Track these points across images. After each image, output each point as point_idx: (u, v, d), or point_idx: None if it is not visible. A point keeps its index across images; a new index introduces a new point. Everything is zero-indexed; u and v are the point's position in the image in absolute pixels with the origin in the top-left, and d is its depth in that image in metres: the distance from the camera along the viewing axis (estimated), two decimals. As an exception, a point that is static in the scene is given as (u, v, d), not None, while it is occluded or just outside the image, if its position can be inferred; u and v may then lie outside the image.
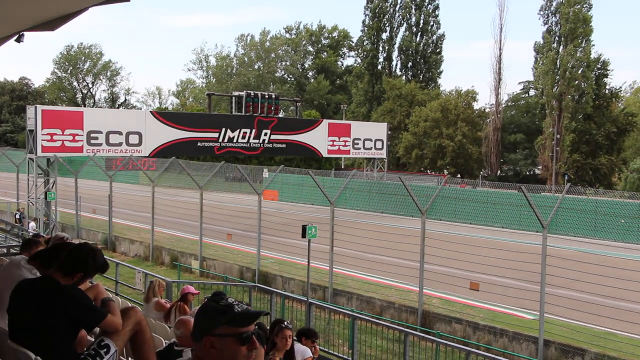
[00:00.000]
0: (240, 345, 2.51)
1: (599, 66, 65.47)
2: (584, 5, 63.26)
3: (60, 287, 3.91)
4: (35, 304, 3.82)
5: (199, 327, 2.58)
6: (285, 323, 6.85)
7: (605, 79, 66.34)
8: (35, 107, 26.93)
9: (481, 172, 70.68)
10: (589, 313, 14.05)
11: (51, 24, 6.78)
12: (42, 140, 26.45)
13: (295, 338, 7.62)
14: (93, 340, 4.05)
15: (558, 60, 63.17)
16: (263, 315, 2.87)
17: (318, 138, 37.35)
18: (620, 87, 73.82)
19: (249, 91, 34.99)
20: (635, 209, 29.20)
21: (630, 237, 27.47)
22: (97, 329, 4.15)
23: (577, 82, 62.66)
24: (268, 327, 7.17)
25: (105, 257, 4.34)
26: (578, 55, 62.60)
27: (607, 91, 66.60)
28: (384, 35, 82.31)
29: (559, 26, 65.06)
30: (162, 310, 9.18)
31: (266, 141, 34.50)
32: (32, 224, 25.09)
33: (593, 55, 64.39)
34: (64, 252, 4.18)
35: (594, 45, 64.41)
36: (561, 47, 64.12)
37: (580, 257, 16.92)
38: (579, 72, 62.71)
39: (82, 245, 4.29)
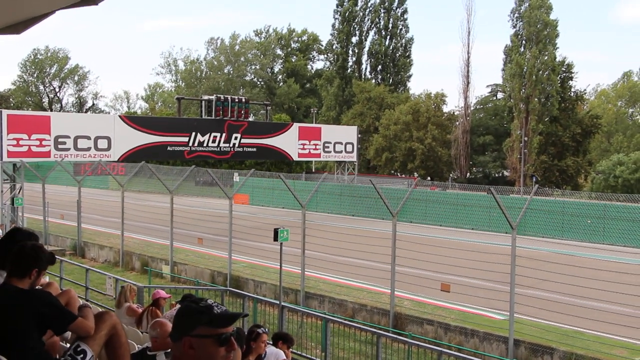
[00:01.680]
0: (219, 347, 2.53)
1: (564, 69, 66.63)
2: (549, 10, 64.37)
3: (25, 291, 3.89)
4: (3, 312, 3.76)
5: (178, 327, 2.60)
6: (263, 329, 6.89)
7: (571, 82, 67.54)
8: (1, 112, 26.46)
9: (451, 175, 71.33)
10: (558, 312, 14.26)
11: (16, 28, 6.68)
12: (8, 145, 25.97)
13: (270, 342, 7.65)
14: (67, 346, 4.01)
15: (525, 64, 64.06)
16: (242, 317, 2.90)
17: (288, 142, 37.30)
18: (585, 90, 75.23)
19: (218, 95, 34.81)
20: (601, 210, 29.76)
21: (596, 237, 27.98)
22: (69, 335, 4.11)
23: (542, 84, 63.65)
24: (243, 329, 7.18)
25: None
26: (545, 58, 63.59)
27: (572, 94, 67.79)
28: (354, 39, 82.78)
29: (524, 30, 66.05)
30: (134, 315, 9.13)
31: (236, 145, 34.35)
32: (-2, 231, 24.64)
33: (558, 59, 65.49)
34: (8, 249, 4.14)
35: (558, 48, 65.56)
36: (528, 51, 65.04)
37: (549, 258, 17.20)
38: (545, 75, 63.71)
39: (23, 242, 4.23)
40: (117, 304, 9.80)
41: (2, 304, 3.82)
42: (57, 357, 3.93)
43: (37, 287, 4.07)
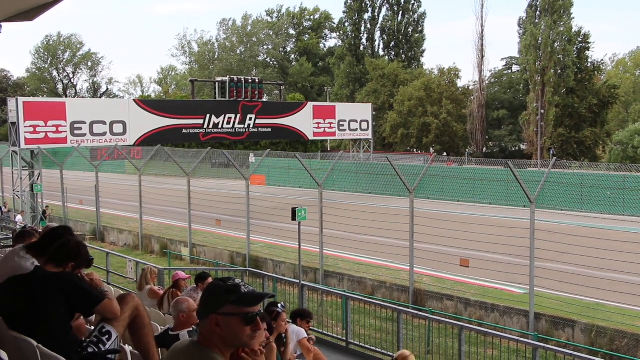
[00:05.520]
0: (245, 325, 2.58)
1: (580, 39, 65.56)
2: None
3: (55, 273, 3.96)
4: (32, 295, 3.82)
5: (206, 305, 2.64)
6: (280, 306, 6.89)
7: (587, 52, 66.48)
8: (17, 99, 26.61)
9: (467, 150, 70.88)
10: (578, 285, 14.20)
11: (29, 14, 6.69)
12: (25, 132, 26.18)
13: (289, 320, 7.67)
14: (92, 328, 4.07)
15: (540, 35, 63.17)
16: (268, 297, 2.94)
17: (303, 121, 37.25)
18: (602, 60, 73.99)
19: (232, 76, 34.76)
20: (620, 181, 29.44)
21: (616, 208, 27.72)
22: (94, 318, 4.16)
23: (558, 56, 62.79)
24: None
25: (95, 247, 4.44)
26: (560, 29, 62.64)
27: (589, 64, 66.76)
28: (366, 16, 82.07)
29: (539, 0, 65.03)
30: (156, 297, 9.21)
31: (251, 126, 34.37)
32: (19, 217, 24.92)
33: (574, 29, 64.48)
34: (54, 241, 4.25)
35: (574, 18, 64.50)
36: (543, 22, 64.08)
37: (568, 230, 17.08)
38: (560, 46, 62.82)
39: (70, 237, 4.37)
40: (139, 286, 9.88)
41: (33, 286, 3.88)
42: (83, 339, 3.98)
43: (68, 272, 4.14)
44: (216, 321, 2.56)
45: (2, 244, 13.46)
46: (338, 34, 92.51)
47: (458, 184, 33.95)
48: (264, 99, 39.84)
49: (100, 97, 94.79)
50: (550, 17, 62.48)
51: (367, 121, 41.14)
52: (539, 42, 63.04)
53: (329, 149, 63.03)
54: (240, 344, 2.62)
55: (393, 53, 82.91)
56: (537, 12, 65.15)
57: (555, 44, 62.74)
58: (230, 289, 2.59)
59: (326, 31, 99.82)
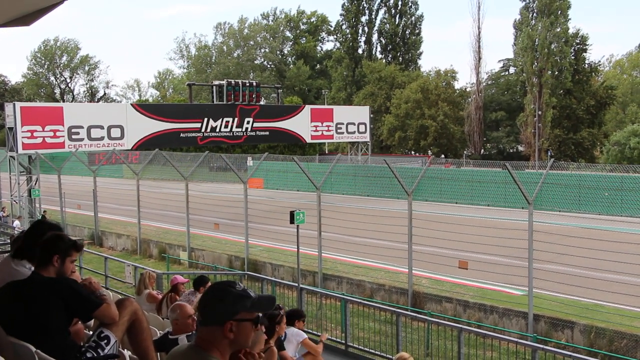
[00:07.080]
0: (254, 329, 2.65)
1: (578, 41, 65.71)
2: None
3: (52, 278, 3.94)
4: (29, 301, 3.81)
5: (218, 311, 2.60)
6: (282, 311, 6.91)
7: (585, 54, 66.63)
8: (14, 104, 26.59)
9: (465, 152, 70.91)
10: (577, 286, 14.20)
11: (25, 19, 6.66)
12: (23, 137, 26.13)
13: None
14: (91, 333, 4.07)
15: (536, 37, 63.29)
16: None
17: (301, 124, 37.23)
18: (600, 62, 74.20)
19: (229, 80, 34.75)
20: (618, 182, 29.47)
21: (613, 209, 27.77)
22: (92, 323, 4.16)
23: (555, 57, 62.89)
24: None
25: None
26: (557, 30, 62.76)
27: (586, 66, 66.89)
28: (364, 19, 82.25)
29: (535, 2, 65.18)
30: (154, 301, 9.20)
31: (249, 129, 34.34)
32: (17, 222, 24.88)
33: (571, 31, 64.63)
34: (35, 238, 4.24)
35: (570, 20, 64.65)
36: (540, 24, 64.21)
37: (566, 232, 17.09)
38: (557, 47, 62.94)
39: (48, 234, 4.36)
40: (137, 291, 9.87)
41: (29, 293, 3.87)
42: (82, 344, 3.98)
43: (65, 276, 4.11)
44: (230, 327, 2.56)
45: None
46: (335, 36, 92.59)
47: (456, 186, 33.97)
48: (262, 102, 39.82)
49: (98, 101, 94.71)
50: (547, 19, 62.59)
51: (365, 124, 41.13)
52: (536, 43, 63.16)
53: (326, 152, 63.04)
54: (246, 346, 2.65)
55: (390, 56, 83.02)
56: (533, 14, 65.29)
57: (552, 46, 62.85)
58: (244, 295, 2.60)
59: (323, 34, 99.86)
